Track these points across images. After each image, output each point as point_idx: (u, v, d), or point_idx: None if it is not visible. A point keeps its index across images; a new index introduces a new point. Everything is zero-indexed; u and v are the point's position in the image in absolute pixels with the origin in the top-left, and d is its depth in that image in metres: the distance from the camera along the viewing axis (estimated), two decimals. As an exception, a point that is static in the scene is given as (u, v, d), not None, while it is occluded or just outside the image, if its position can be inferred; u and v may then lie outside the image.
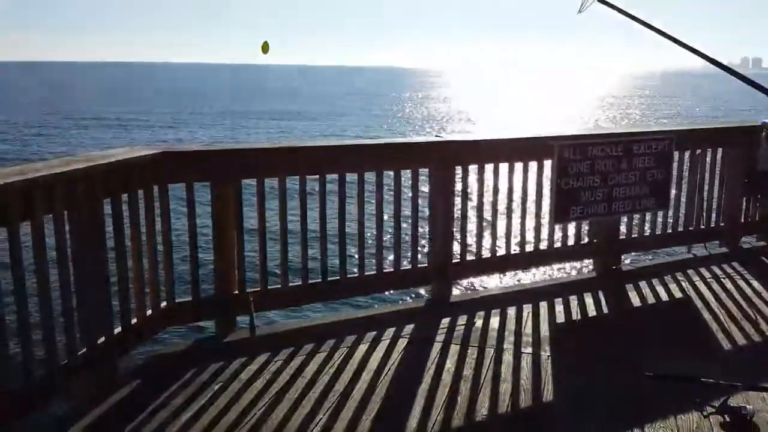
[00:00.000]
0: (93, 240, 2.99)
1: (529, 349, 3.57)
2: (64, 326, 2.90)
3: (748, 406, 2.87)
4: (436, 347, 3.58)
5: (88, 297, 2.99)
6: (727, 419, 2.82)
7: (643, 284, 4.55)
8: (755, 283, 4.54)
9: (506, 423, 2.92)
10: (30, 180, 2.66)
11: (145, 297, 3.35)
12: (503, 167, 4.37)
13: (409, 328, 3.81)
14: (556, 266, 5.55)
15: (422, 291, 5.30)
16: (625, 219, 4.85)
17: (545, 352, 3.53)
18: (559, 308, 4.15)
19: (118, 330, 3.19)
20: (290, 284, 3.87)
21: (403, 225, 4.14)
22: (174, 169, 3.42)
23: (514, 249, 4.53)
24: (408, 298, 5.52)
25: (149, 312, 3.39)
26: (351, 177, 3.88)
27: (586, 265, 5.25)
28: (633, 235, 4.99)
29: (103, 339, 3.09)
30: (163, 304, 3.50)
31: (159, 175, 3.35)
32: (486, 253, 4.47)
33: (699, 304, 4.24)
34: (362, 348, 3.55)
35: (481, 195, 4.31)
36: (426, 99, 64.60)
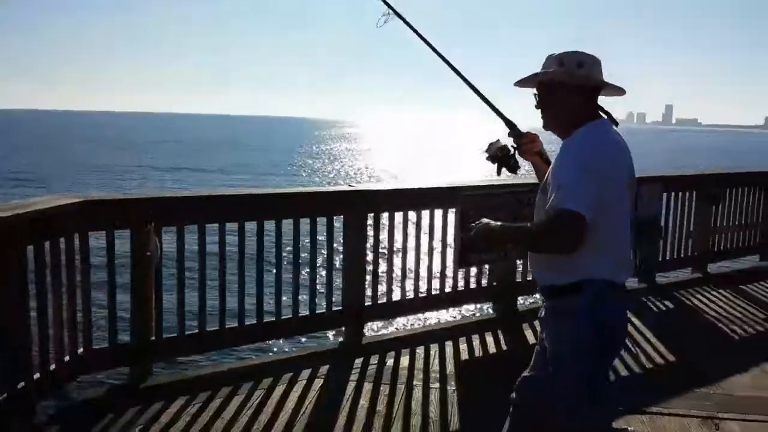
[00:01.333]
0: (15, 286, 3.02)
1: (437, 384, 3.83)
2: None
3: (630, 428, 3.24)
4: (351, 386, 3.78)
5: (9, 342, 3.01)
6: (612, 441, 3.18)
7: (534, 321, 4.93)
8: (635, 321, 5.01)
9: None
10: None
11: (63, 343, 3.38)
12: (412, 215, 4.68)
13: (324, 369, 3.99)
14: (460, 308, 5.89)
15: (334, 334, 5.48)
16: (520, 263, 5.27)
17: (451, 387, 3.81)
18: (463, 346, 4.46)
19: (37, 375, 3.20)
20: (207, 329, 3.96)
21: (319, 270, 4.35)
22: (95, 217, 3.50)
23: (422, 292, 4.81)
24: (323, 341, 5.69)
25: (67, 358, 3.41)
26: (269, 224, 4.07)
27: (488, 306, 5.61)
28: (528, 278, 5.41)
29: (22, 384, 3.10)
30: (80, 350, 3.52)
31: (80, 223, 3.42)
32: (396, 296, 4.74)
33: (587, 339, 4.66)
34: (279, 389, 3.70)
35: (391, 242, 4.60)
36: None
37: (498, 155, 2.55)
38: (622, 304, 2.25)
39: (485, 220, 2.27)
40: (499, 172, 2.61)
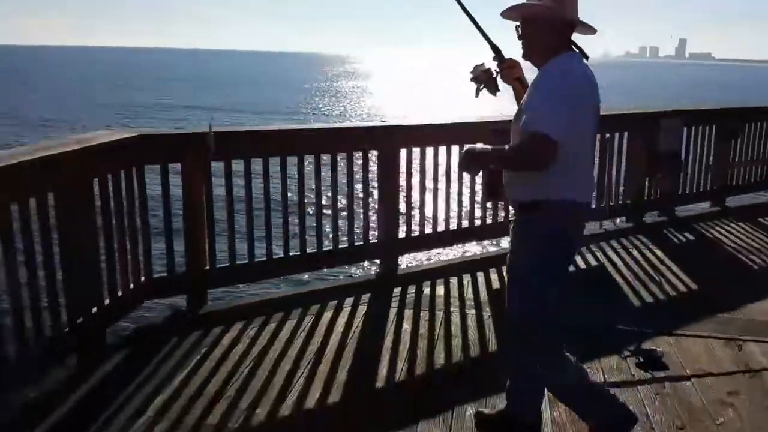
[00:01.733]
0: (84, 218, 3.22)
1: (473, 311, 4.07)
2: (63, 294, 3.12)
3: (657, 349, 3.50)
4: (392, 312, 4.03)
5: (84, 270, 3.23)
6: (641, 359, 3.42)
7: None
8: (658, 252, 5.25)
9: (460, 370, 3.39)
10: (30, 161, 2.87)
11: (127, 272, 3.61)
12: (442, 150, 4.83)
13: (365, 297, 4.23)
14: (490, 240, 6.10)
15: (371, 265, 5.72)
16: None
17: (486, 312, 4.05)
18: (494, 276, 4.68)
19: (107, 302, 3.44)
20: (256, 260, 4.19)
21: (355, 205, 4.54)
22: (151, 150, 3.67)
23: (452, 225, 5.00)
24: (361, 272, 5.94)
25: (131, 286, 3.65)
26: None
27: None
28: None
29: (95, 309, 3.34)
30: (142, 278, 3.76)
31: (138, 156, 3.59)
32: (428, 230, 4.94)
33: (611, 269, 4.89)
34: (327, 315, 3.95)
35: (422, 177, 4.77)
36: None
37: (481, 77, 2.69)
38: (581, 225, 2.49)
39: (469, 145, 2.45)
40: (477, 94, 2.74)
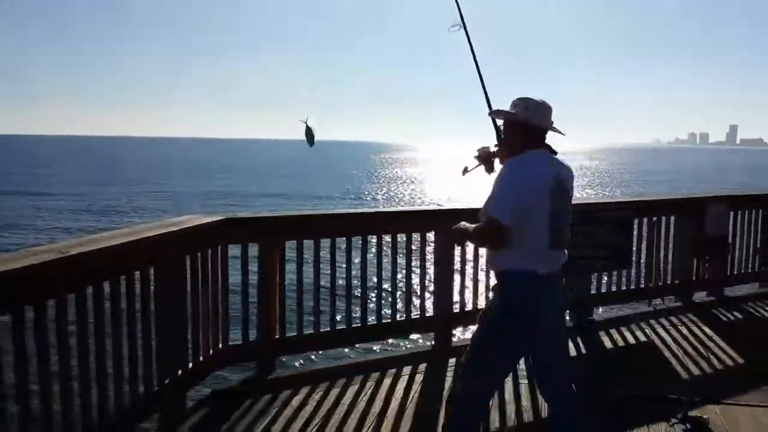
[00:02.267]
0: (178, 290, 3.67)
1: (526, 381, 4.27)
2: (155, 357, 3.52)
3: (704, 416, 3.66)
4: (448, 380, 4.29)
5: (176, 335, 3.65)
6: (689, 427, 3.58)
7: (612, 331, 5.36)
8: (706, 329, 5.39)
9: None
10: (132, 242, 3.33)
11: (208, 338, 4.01)
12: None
13: (422, 366, 4.51)
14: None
15: (425, 337, 5.99)
16: (595, 277, 5.70)
17: (538, 383, 4.26)
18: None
19: (190, 365, 3.83)
20: (321, 330, 4.55)
21: (414, 280, 4.88)
22: (233, 232, 4.15)
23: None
24: (417, 343, 6.23)
25: (211, 351, 4.03)
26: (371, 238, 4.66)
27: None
28: (602, 290, 5.82)
29: (180, 372, 3.73)
30: (220, 345, 4.14)
31: (222, 237, 4.06)
32: (481, 304, 5.22)
33: (660, 344, 5.06)
34: (387, 381, 4.24)
35: (476, 254, 5.10)
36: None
37: (483, 156, 3.12)
38: (540, 292, 2.76)
39: (457, 224, 2.91)
40: (464, 173, 3.14)
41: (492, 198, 2.69)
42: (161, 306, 3.55)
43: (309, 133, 3.51)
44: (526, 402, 3.97)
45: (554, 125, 2.87)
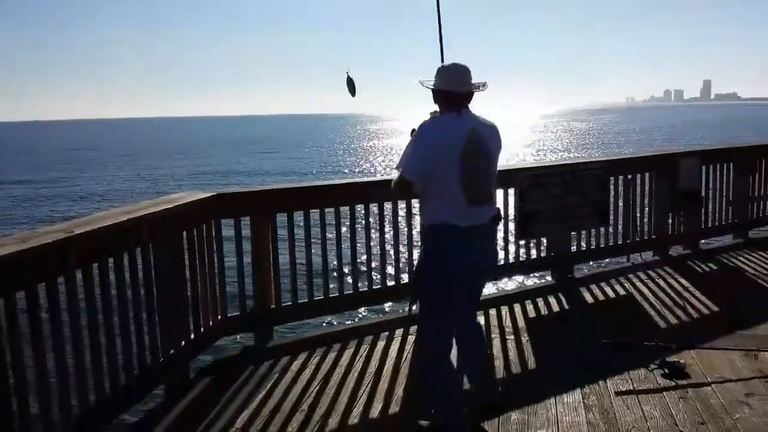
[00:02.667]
0: (176, 265, 3.80)
1: (512, 336, 4.51)
2: (157, 332, 3.67)
3: (681, 361, 3.89)
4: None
5: (178, 308, 3.79)
6: (666, 371, 3.81)
7: (593, 286, 5.60)
8: (682, 280, 5.64)
9: (504, 384, 3.82)
10: (138, 218, 3.46)
11: (208, 310, 4.16)
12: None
13: (413, 328, 4.69)
14: (523, 276, 6.55)
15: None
16: (574, 234, 5.91)
17: (525, 338, 4.48)
18: (530, 307, 5.13)
19: (192, 336, 3.98)
20: (315, 298, 4.72)
21: (401, 244, 5.05)
22: (225, 207, 4.27)
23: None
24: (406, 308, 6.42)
25: (211, 322, 4.19)
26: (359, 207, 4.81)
27: (546, 274, 6.24)
28: (581, 248, 6.04)
29: (183, 342, 3.88)
30: (219, 316, 4.30)
31: (214, 213, 4.19)
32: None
33: (638, 297, 5.31)
34: (380, 344, 4.43)
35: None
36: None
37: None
38: (459, 241, 2.98)
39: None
40: (412, 133, 3.16)
41: (402, 156, 3.02)
42: (162, 281, 3.69)
43: (351, 83, 3.63)
44: (513, 355, 4.18)
45: (474, 84, 3.07)
